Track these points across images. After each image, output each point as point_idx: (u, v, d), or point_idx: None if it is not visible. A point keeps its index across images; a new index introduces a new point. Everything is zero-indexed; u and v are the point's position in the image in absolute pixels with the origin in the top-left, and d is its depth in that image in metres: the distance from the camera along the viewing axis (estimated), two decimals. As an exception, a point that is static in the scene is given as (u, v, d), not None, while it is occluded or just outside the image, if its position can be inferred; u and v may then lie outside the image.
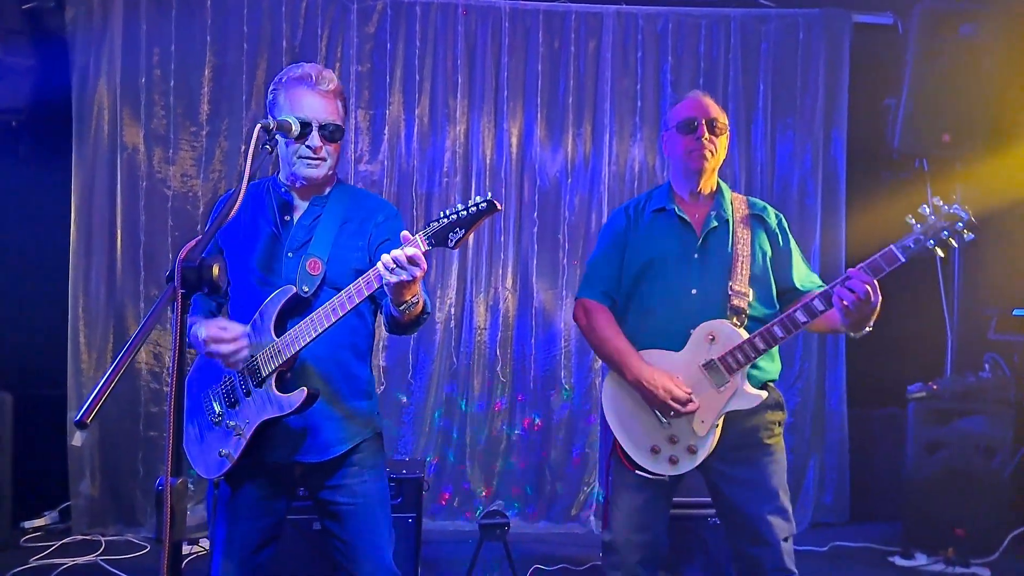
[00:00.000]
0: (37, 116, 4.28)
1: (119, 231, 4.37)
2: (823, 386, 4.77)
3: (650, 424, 2.34)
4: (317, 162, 2.13)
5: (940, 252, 2.14)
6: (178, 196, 4.45)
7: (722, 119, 2.45)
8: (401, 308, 1.96)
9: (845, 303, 2.10)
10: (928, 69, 4.33)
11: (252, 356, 2.07)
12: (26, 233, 4.43)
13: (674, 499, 2.51)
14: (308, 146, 2.10)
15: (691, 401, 2.27)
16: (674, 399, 2.26)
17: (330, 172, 2.19)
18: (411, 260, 1.84)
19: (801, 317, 2.21)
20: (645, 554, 2.41)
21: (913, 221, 2.14)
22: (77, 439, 4.28)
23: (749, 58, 4.75)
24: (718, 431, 2.29)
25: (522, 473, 4.66)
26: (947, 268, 4.73)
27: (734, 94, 4.72)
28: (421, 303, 2.02)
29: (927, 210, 2.13)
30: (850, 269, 2.15)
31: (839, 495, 4.79)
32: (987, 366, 4.38)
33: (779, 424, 2.41)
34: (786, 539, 2.32)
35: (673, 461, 2.30)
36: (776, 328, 2.23)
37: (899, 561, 4.13)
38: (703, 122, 2.40)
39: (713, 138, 2.41)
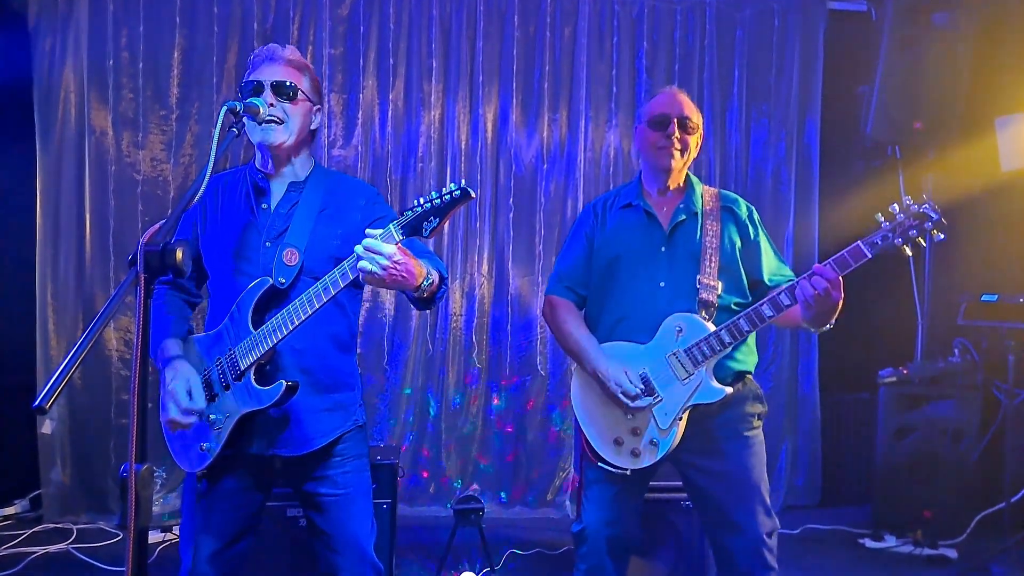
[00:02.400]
0: (0, 100, 4.20)
1: (88, 216, 4.32)
2: (795, 371, 4.82)
3: (614, 416, 2.34)
4: (272, 123, 2.06)
5: (908, 251, 2.12)
6: (148, 181, 4.39)
7: (695, 118, 2.43)
8: (417, 293, 1.97)
9: (806, 298, 2.11)
10: (901, 57, 4.36)
11: (231, 349, 2.06)
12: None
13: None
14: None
15: (639, 397, 2.26)
16: (624, 393, 2.27)
17: (293, 140, 2.12)
18: (389, 258, 1.84)
19: (767, 311, 2.21)
20: (614, 546, 2.41)
21: (882, 218, 2.13)
22: (47, 427, 4.23)
23: (724, 45, 4.76)
24: (682, 425, 2.28)
25: (497, 459, 4.67)
26: (918, 255, 4.77)
27: (709, 81, 4.73)
28: (436, 278, 2.01)
29: (896, 208, 2.11)
30: (816, 265, 2.14)
31: (811, 478, 4.85)
32: (956, 351, 4.43)
33: (758, 417, 2.41)
34: (769, 534, 2.32)
35: (635, 454, 2.30)
36: (742, 322, 2.23)
37: (869, 543, 4.19)
38: (675, 119, 2.38)
39: (684, 136, 2.39)
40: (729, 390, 2.29)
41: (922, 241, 2.11)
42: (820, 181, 4.84)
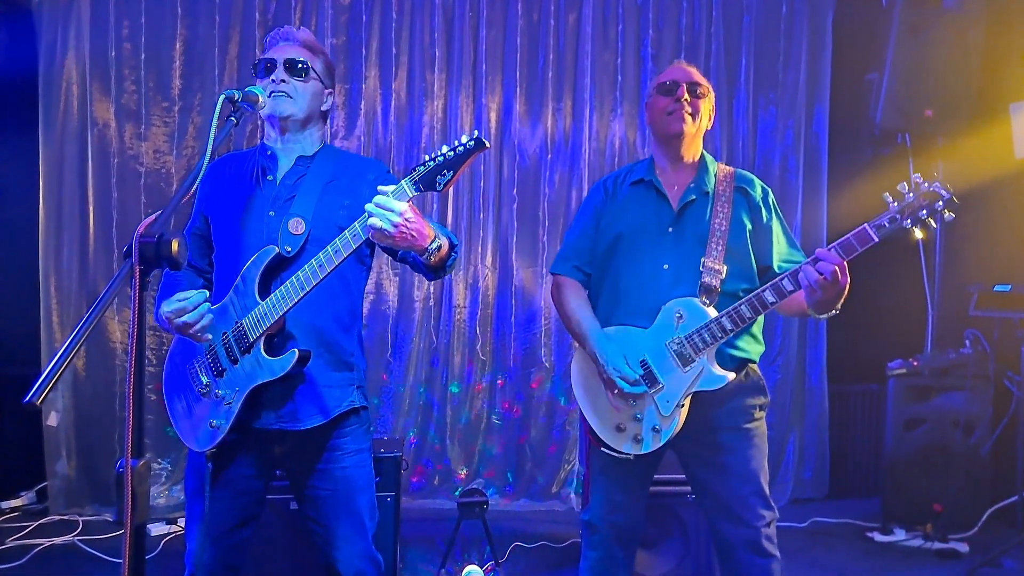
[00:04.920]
0: (3, 92, 4.18)
1: (91, 208, 4.31)
2: (803, 362, 4.78)
3: (616, 401, 2.30)
4: (283, 95, 2.09)
5: (919, 233, 2.01)
6: (151, 173, 4.37)
7: (705, 84, 2.38)
8: (424, 257, 1.95)
9: (810, 283, 2.03)
10: (911, 43, 4.29)
11: (238, 322, 2.03)
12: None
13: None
14: (273, 79, 2.10)
15: (639, 383, 2.21)
16: (622, 378, 2.22)
17: (301, 115, 2.14)
18: (400, 215, 1.83)
19: (770, 297, 2.13)
20: (622, 534, 2.40)
21: (890, 199, 2.02)
22: (52, 419, 4.24)
23: (731, 32, 4.70)
24: (683, 412, 2.23)
25: (502, 451, 4.65)
26: (928, 244, 4.73)
27: (716, 68, 4.67)
28: (445, 243, 1.99)
29: (905, 188, 2.00)
30: (819, 249, 2.05)
31: (819, 471, 4.81)
32: (967, 342, 4.38)
33: (760, 408, 2.35)
34: (768, 524, 2.28)
35: (637, 440, 2.26)
36: (743, 308, 2.16)
37: (878, 537, 4.16)
38: (684, 84, 2.33)
39: (694, 100, 2.33)
40: (732, 376, 2.23)
41: (932, 222, 2.00)
42: (828, 170, 4.78)
